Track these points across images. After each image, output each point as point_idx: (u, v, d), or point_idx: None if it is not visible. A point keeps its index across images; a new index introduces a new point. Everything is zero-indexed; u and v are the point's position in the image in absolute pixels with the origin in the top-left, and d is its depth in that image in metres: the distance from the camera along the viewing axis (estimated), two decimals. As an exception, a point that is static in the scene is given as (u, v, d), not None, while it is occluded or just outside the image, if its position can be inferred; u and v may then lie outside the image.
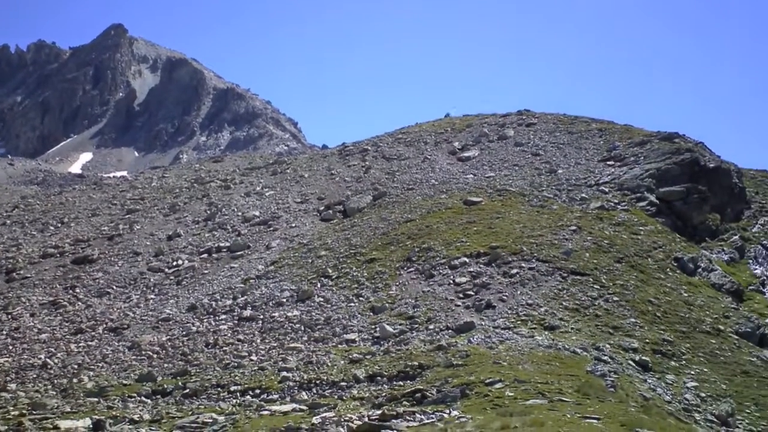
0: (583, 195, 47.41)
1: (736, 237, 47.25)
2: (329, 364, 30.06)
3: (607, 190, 48.00)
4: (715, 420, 26.25)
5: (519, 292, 34.63)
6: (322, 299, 38.02)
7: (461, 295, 35.17)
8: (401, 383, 26.56)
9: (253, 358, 32.74)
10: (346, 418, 22.48)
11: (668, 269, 39.12)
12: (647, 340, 31.21)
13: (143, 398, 29.70)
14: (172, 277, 46.17)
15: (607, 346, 29.64)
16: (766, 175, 60.90)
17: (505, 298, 34.18)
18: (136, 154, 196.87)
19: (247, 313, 38.15)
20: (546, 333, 30.46)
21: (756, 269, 44.58)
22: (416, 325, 32.67)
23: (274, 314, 37.29)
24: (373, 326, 33.49)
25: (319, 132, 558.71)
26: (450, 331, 31.48)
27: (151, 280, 46.33)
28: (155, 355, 35.15)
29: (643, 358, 29.49)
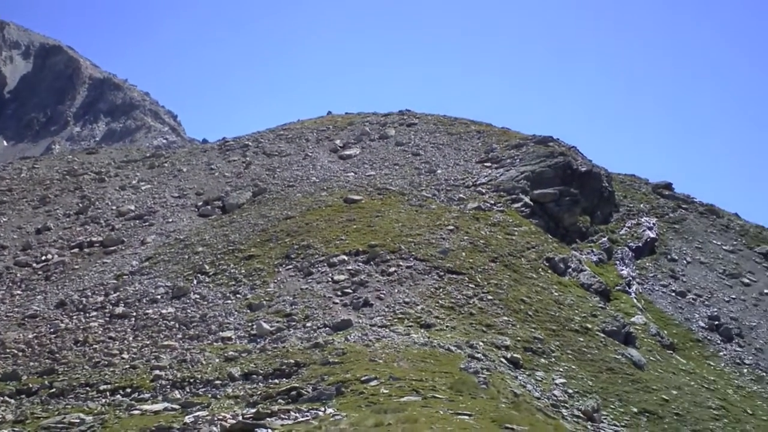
0: (461, 195, 48.26)
1: (605, 239, 49.10)
2: (204, 362, 29.59)
3: (483, 191, 49.02)
4: (581, 415, 27.22)
5: (396, 291, 34.97)
6: (198, 296, 37.37)
7: (339, 293, 35.24)
8: (277, 381, 26.41)
9: (125, 356, 31.90)
10: (220, 417, 22.20)
11: (540, 269, 40.29)
12: (519, 338, 32.07)
13: (6, 398, 28.55)
14: (40, 272, 44.43)
15: (481, 343, 30.30)
16: (634, 179, 63.52)
17: (382, 296, 34.46)
18: (5, 143, 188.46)
19: (120, 309, 37.10)
20: (422, 331, 30.90)
21: (622, 270, 46.42)
22: (293, 323, 32.55)
23: (147, 311, 36.41)
24: (250, 324, 33.17)
25: (199, 126, 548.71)
26: (327, 328, 31.49)
27: (18, 275, 44.46)
28: (20, 353, 33.78)
29: (515, 355, 30.31)
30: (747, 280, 49.38)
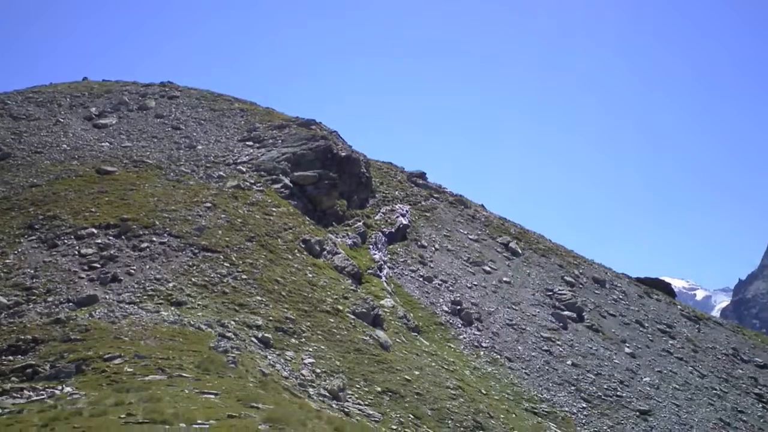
0: (221, 173, 47.56)
1: (360, 223, 50.35)
2: (-73, 337, 27.16)
3: (244, 169, 48.62)
4: (327, 394, 27.76)
5: (148, 267, 33.91)
6: (-76, 266, 34.18)
7: (86, 267, 33.59)
8: (11, 358, 24.78)
9: None
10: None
11: (296, 250, 40.63)
12: (271, 318, 32.17)
13: None
14: None
15: (232, 322, 30.10)
16: (391, 167, 65.55)
17: (132, 271, 33.28)
18: None
19: None
20: (172, 308, 30.19)
21: (375, 254, 47.81)
22: (33, 297, 30.66)
23: None
24: (-17, 297, 30.81)
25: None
26: (71, 304, 29.94)
27: None
28: None
29: (266, 335, 30.38)
30: (488, 268, 52.50)
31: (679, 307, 64.03)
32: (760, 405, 49.39)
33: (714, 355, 54.94)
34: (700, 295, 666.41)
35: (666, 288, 70.42)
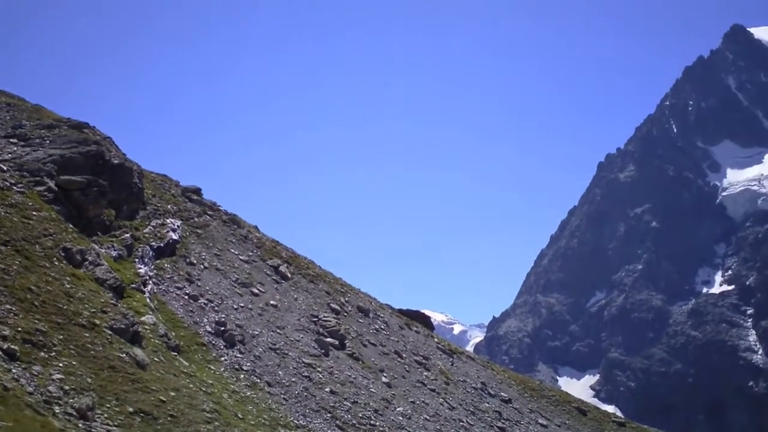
0: (-22, 169, 44.30)
1: (128, 235, 48.56)
2: None
3: (5, 168, 45.55)
4: (74, 413, 26.41)
5: None
6: None
7: None
8: None
9: None
10: None
11: (55, 258, 38.50)
12: (20, 329, 30.19)
13: None
14: None
15: (-25, 332, 28.00)
16: (165, 179, 63.94)
17: None
18: None
19: None
20: None
21: (141, 268, 46.27)
22: None
23: None
24: None
25: None
26: None
27: None
28: None
29: (12, 346, 28.46)
30: (256, 290, 52.34)
31: (436, 340, 66.86)
32: (502, 437, 52.39)
33: (464, 388, 57.75)
34: (457, 329, 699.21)
35: (425, 321, 73.43)
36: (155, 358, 36.10)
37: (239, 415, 36.04)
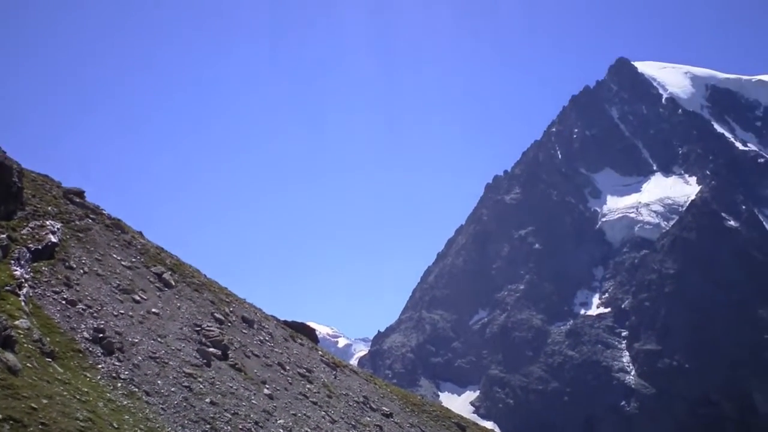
0: None
1: (4, 236, 46.68)
2: None
3: None
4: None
5: None
6: None
7: None
8: None
9: None
10: None
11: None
12: None
13: None
14: None
15: None
16: (47, 180, 61.77)
17: None
18: None
19: None
20: None
21: (17, 271, 44.53)
22: None
23: None
24: None
25: None
26: None
27: None
28: None
29: None
30: (138, 298, 51.06)
31: (320, 352, 66.76)
32: (382, 451, 52.69)
33: (346, 401, 57.83)
34: (342, 342, 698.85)
35: (310, 333, 73.14)
36: (28, 364, 34.80)
37: (114, 424, 35.05)
